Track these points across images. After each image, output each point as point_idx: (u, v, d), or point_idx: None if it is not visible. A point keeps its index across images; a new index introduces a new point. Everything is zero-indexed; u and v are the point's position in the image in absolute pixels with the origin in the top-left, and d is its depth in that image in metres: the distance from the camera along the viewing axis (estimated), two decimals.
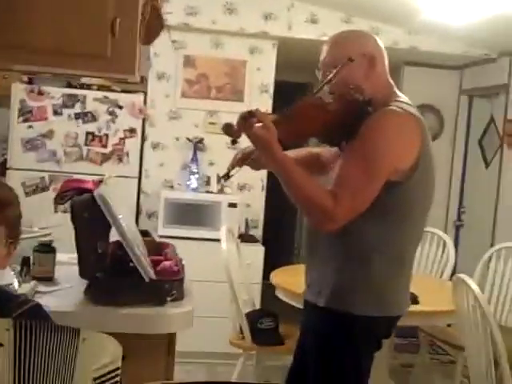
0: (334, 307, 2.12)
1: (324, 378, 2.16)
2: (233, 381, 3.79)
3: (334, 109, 2.15)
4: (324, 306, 2.14)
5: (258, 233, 5.32)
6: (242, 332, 3.70)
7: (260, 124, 2.02)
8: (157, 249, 2.57)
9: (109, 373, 1.54)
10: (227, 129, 2.09)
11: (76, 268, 2.45)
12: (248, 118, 2.05)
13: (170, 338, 2.17)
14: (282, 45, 5.30)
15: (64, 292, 2.22)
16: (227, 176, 2.27)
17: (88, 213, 2.08)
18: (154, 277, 2.10)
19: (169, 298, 2.12)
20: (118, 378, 1.55)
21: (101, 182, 2.28)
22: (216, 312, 4.50)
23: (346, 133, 2.16)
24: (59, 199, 2.16)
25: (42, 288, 2.20)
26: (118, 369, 1.55)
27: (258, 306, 4.49)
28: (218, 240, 4.51)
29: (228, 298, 3.80)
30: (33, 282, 2.20)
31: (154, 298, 2.10)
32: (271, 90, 5.34)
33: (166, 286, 2.13)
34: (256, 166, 2.42)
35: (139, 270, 2.07)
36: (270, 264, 4.96)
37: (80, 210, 2.08)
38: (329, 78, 2.18)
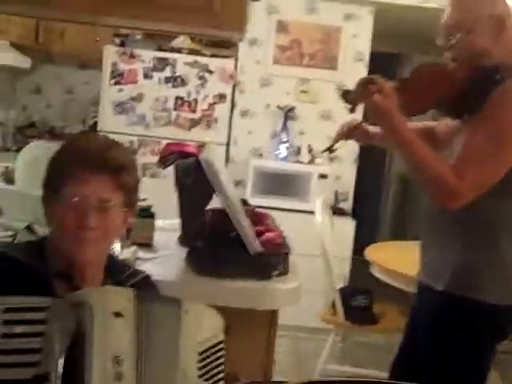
0: (455, 292, 1.94)
1: (440, 372, 1.98)
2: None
3: (458, 76, 1.96)
4: (443, 290, 1.96)
5: (347, 206, 5.15)
6: (333, 308, 3.56)
7: (379, 92, 1.87)
8: (255, 219, 2.44)
9: (212, 346, 1.44)
10: (345, 95, 1.95)
11: (172, 235, 2.37)
12: (368, 84, 1.90)
13: (273, 315, 2.05)
14: (379, 12, 5.05)
15: (164, 260, 2.12)
16: (331, 149, 2.12)
17: (192, 177, 1.96)
18: (260, 249, 1.97)
19: (274, 273, 1.99)
20: (222, 352, 1.45)
21: (202, 146, 2.16)
22: (305, 285, 4.37)
23: (470, 103, 1.96)
24: (162, 162, 2.06)
25: (141, 254, 2.11)
26: (221, 342, 1.45)
27: (348, 282, 4.34)
28: (307, 211, 4.40)
29: (318, 271, 3.66)
30: (133, 248, 2.10)
31: (259, 272, 1.98)
32: (367, 58, 5.11)
33: (272, 260, 2.00)
34: (364, 139, 2.26)
35: (244, 242, 1.94)
36: (359, 239, 4.80)
37: (184, 174, 1.96)
38: (452, 42, 1.98)
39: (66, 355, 1.30)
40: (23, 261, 1.49)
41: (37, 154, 2.16)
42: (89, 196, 1.46)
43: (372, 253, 3.64)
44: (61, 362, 1.30)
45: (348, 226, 4.74)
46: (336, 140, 2.17)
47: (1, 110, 5.44)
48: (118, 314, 1.34)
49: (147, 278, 1.66)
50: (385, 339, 4.08)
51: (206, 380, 1.41)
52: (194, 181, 1.97)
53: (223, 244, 2.00)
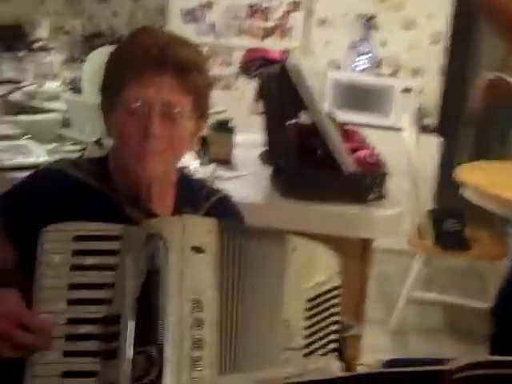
0: None
1: None
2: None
3: None
4: None
5: (432, 122, 4.80)
6: (421, 231, 3.31)
7: None
8: (344, 136, 2.19)
9: (325, 293, 1.21)
10: None
11: (253, 151, 2.15)
12: None
13: (366, 244, 1.81)
14: None
15: (245, 179, 1.90)
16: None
17: (278, 86, 1.72)
18: (354, 169, 1.73)
19: (371, 196, 1.75)
20: (337, 300, 1.22)
21: (287, 52, 1.90)
22: None
23: None
24: (244, 70, 1.81)
25: (220, 173, 1.89)
26: (336, 288, 1.23)
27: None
28: (388, 128, 4.12)
29: (403, 192, 3.39)
30: (212, 165, 1.89)
31: (354, 195, 1.74)
32: None
33: (368, 181, 1.76)
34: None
35: (336, 160, 1.70)
36: (446, 158, 4.49)
37: (269, 83, 1.72)
38: None
39: (139, 295, 1.11)
40: (84, 180, 1.30)
41: (103, 61, 1.94)
42: (152, 100, 1.23)
43: (464, 174, 3.34)
44: (134, 302, 1.11)
45: (433, 145, 4.42)
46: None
47: (67, 20, 5.26)
48: (197, 249, 1.13)
49: (227, 198, 1.43)
50: (470, 264, 3.83)
51: (314, 333, 1.19)
52: (280, 91, 1.72)
53: (312, 163, 1.77)
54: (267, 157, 2.04)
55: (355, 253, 1.81)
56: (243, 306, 1.14)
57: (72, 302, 1.16)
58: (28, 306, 1.15)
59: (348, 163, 1.72)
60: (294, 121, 1.82)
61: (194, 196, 1.36)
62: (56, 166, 1.33)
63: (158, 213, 1.29)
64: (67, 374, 1.11)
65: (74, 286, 1.17)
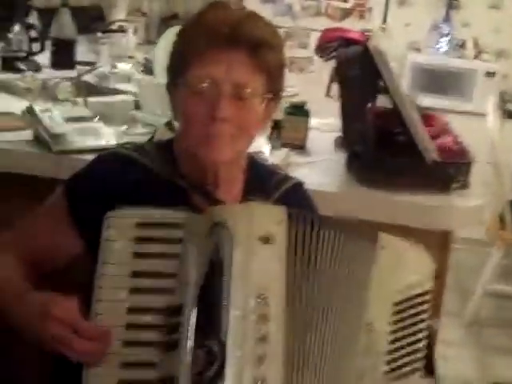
0: None
1: None
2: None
3: None
4: None
5: None
6: (502, 221, 3.15)
7: None
8: (426, 122, 2.07)
9: (414, 297, 1.11)
10: None
11: (328, 136, 2.06)
12: None
13: (446, 236, 1.69)
14: None
15: (320, 165, 1.81)
16: None
17: (358, 68, 1.62)
18: (436, 157, 1.62)
19: (454, 186, 1.64)
20: (427, 306, 1.12)
21: (368, 33, 1.79)
22: None
23: None
24: (322, 51, 1.72)
25: (294, 158, 1.81)
26: (427, 293, 1.12)
27: None
28: (470, 113, 3.95)
29: (486, 181, 3.23)
30: (285, 150, 1.81)
31: (436, 185, 1.63)
32: None
33: (451, 171, 1.65)
34: None
35: (419, 147, 1.59)
36: None
37: (348, 64, 1.62)
38: None
39: (202, 285, 1.05)
40: (149, 165, 1.24)
41: None
42: (220, 79, 1.14)
43: None
44: (197, 293, 1.05)
45: None
46: None
47: (144, 1, 5.25)
48: (265, 240, 1.05)
49: (299, 186, 1.34)
50: None
51: (399, 339, 1.10)
52: (359, 73, 1.63)
53: (392, 149, 1.66)
54: (343, 142, 1.95)
55: (434, 244, 1.70)
56: (315, 303, 1.06)
57: (134, 291, 1.11)
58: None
59: (431, 151, 1.61)
60: (372, 105, 1.72)
61: (265, 183, 1.28)
62: (121, 151, 1.28)
63: (225, 200, 1.22)
64: (126, 365, 1.07)
65: (136, 274, 1.12)
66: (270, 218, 1.08)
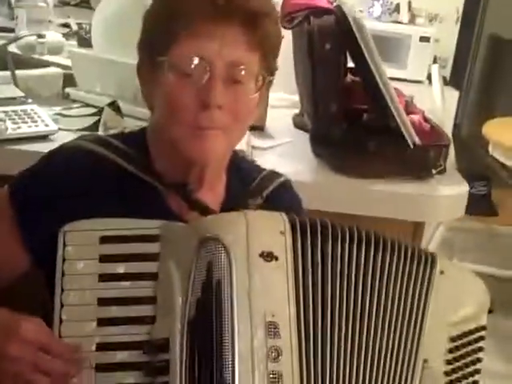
0: None
1: None
2: None
3: None
4: None
5: (446, 73, 4.53)
6: None
7: None
8: None
9: (471, 332, 0.97)
10: None
11: (286, 114, 1.88)
12: None
13: (417, 227, 1.55)
14: None
15: (284, 150, 1.64)
16: None
17: (331, 42, 1.45)
18: (418, 141, 1.47)
19: (434, 171, 1.51)
20: (481, 344, 0.98)
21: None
22: None
23: None
24: (287, 22, 1.53)
25: (255, 141, 1.62)
26: (483, 328, 0.98)
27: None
28: (404, 80, 3.86)
29: None
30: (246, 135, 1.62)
31: (415, 172, 1.49)
32: None
33: (431, 155, 1.51)
34: None
35: (402, 130, 1.44)
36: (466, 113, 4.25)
37: (321, 37, 1.44)
38: None
39: (194, 315, 0.86)
40: (116, 161, 1.01)
41: (122, 5, 1.64)
42: (213, 58, 0.94)
43: (491, 130, 3.10)
44: (185, 324, 0.86)
45: (452, 98, 4.14)
46: None
47: None
48: (268, 256, 0.88)
49: (288, 184, 1.16)
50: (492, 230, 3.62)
51: (456, 381, 0.95)
52: (333, 46, 1.45)
53: (369, 133, 1.51)
54: (302, 121, 1.78)
55: (408, 233, 1.57)
56: (335, 330, 0.89)
57: (103, 323, 0.91)
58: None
59: (413, 134, 1.46)
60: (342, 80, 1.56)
61: (249, 181, 1.10)
62: (84, 144, 1.03)
63: (208, 203, 1.02)
64: None
65: (105, 302, 0.92)
66: (271, 228, 0.90)
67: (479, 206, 3.02)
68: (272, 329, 0.84)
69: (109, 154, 1.01)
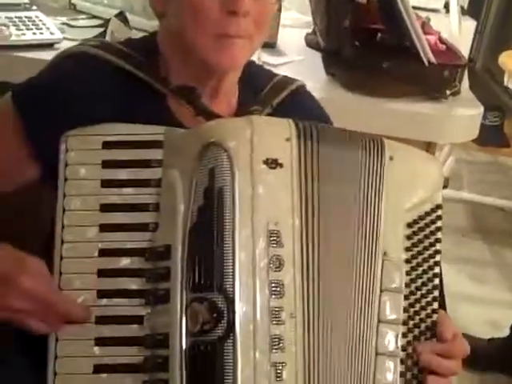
0: None
1: None
2: None
3: None
4: None
5: (463, 3, 4.40)
6: None
7: None
8: None
9: (426, 215, 0.93)
10: None
11: (295, 33, 1.83)
12: None
13: (428, 151, 1.52)
14: None
15: (296, 66, 1.60)
16: None
17: None
18: (433, 59, 1.43)
19: (448, 92, 1.47)
20: (439, 224, 0.93)
21: None
22: None
23: None
24: None
25: (266, 58, 1.58)
26: (438, 207, 0.94)
27: None
28: (419, 8, 3.75)
29: None
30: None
31: (429, 91, 1.45)
32: None
33: (446, 74, 1.46)
34: None
35: (417, 47, 1.40)
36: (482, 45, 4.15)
37: None
38: None
39: (195, 222, 0.84)
40: (124, 67, 0.98)
41: None
42: None
43: (508, 61, 3.02)
44: (187, 231, 0.84)
45: (468, 29, 4.03)
46: None
47: None
48: (272, 163, 0.85)
49: (303, 89, 1.12)
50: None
51: (416, 268, 0.92)
52: None
53: (383, 52, 1.46)
54: (315, 40, 1.73)
55: None
56: (330, 234, 0.87)
57: (105, 228, 0.90)
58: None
59: (428, 52, 1.41)
60: None
61: (260, 88, 1.06)
62: (90, 50, 0.99)
63: (221, 113, 1.00)
64: (104, 320, 0.87)
65: (107, 208, 0.90)
66: (277, 134, 0.87)
67: (491, 137, 2.96)
68: (274, 237, 0.83)
69: (112, 57, 0.98)
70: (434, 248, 0.94)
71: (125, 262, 0.89)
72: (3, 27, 1.33)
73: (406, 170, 0.92)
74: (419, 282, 0.92)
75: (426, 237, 0.94)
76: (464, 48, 3.80)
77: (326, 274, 0.85)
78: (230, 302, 0.80)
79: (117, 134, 0.92)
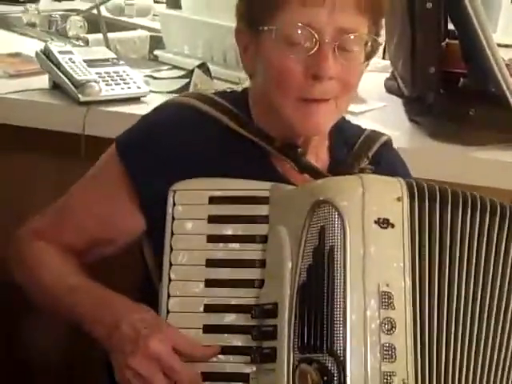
0: None
1: None
2: None
3: None
4: None
5: None
6: None
7: None
8: None
9: None
10: None
11: (376, 78, 1.82)
12: None
13: None
14: None
15: (378, 115, 1.58)
16: None
17: (433, 0, 1.39)
18: None
19: None
20: None
21: None
22: None
23: None
24: None
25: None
26: None
27: None
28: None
29: None
30: None
31: None
32: None
33: None
34: None
35: (506, 93, 1.38)
36: None
37: None
38: None
39: (304, 281, 0.83)
40: (221, 120, 0.99)
41: None
42: (323, 25, 0.89)
43: None
44: (295, 290, 0.84)
45: None
46: None
47: None
48: (384, 222, 0.84)
49: (390, 142, 1.12)
50: None
51: None
52: (435, 5, 1.40)
53: (468, 98, 1.45)
54: (395, 86, 1.72)
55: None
56: (454, 302, 0.85)
57: (210, 284, 0.90)
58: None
59: None
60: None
61: (352, 144, 1.06)
62: (188, 101, 1.01)
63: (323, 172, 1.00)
64: (210, 376, 0.87)
65: (213, 263, 0.91)
66: (388, 193, 0.86)
67: None
68: (386, 299, 0.81)
69: (212, 110, 0.99)
70: None
71: (230, 318, 0.89)
72: (94, 83, 1.36)
73: None
74: None
75: None
76: None
77: (439, 339, 0.83)
78: (341, 364, 0.78)
79: (223, 189, 0.93)
